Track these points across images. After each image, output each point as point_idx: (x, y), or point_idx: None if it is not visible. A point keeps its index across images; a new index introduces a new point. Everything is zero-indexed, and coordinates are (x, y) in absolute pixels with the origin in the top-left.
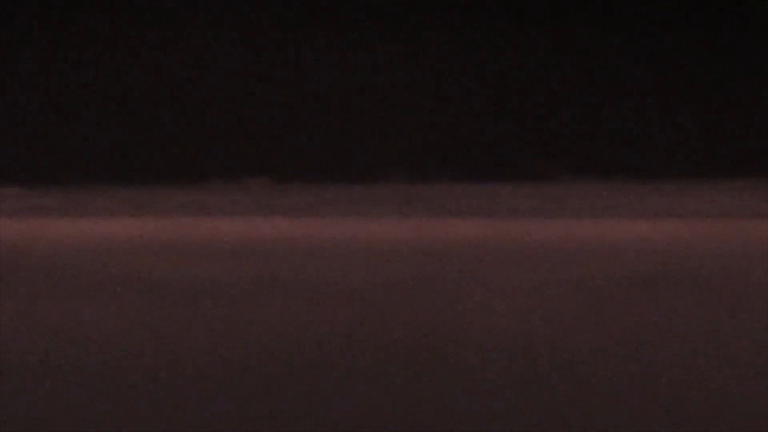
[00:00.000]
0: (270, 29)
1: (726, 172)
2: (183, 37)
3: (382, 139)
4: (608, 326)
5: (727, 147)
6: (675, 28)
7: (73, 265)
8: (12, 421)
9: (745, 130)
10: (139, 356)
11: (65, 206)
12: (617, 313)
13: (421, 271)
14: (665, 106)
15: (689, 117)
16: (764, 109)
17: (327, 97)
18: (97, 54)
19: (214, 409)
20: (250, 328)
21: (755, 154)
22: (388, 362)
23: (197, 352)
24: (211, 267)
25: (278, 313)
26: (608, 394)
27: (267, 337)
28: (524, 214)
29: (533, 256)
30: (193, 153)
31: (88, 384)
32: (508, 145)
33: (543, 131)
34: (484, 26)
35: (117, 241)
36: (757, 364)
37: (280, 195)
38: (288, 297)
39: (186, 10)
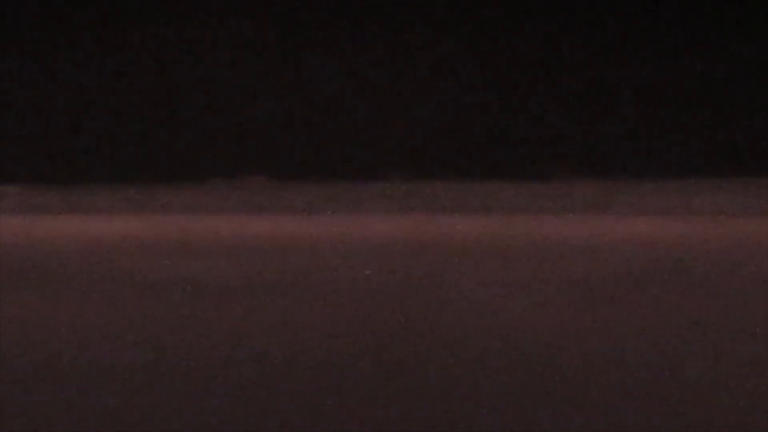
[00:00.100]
0: (270, 30)
1: (727, 171)
2: (183, 37)
3: (381, 138)
4: (608, 323)
5: (728, 146)
6: (675, 28)
7: (73, 263)
8: (12, 418)
9: (745, 129)
10: (138, 352)
11: (65, 204)
12: (616, 310)
13: (420, 268)
14: (665, 105)
15: (689, 116)
16: (765, 108)
17: (327, 97)
18: (97, 54)
19: (214, 405)
20: (249, 324)
21: (755, 152)
22: (388, 358)
23: (197, 349)
24: (211, 264)
25: (278, 310)
26: (607, 391)
27: (267, 333)
28: (523, 212)
29: (532, 253)
30: (192, 152)
31: (88, 381)
32: (507, 144)
33: (542, 130)
34: (484, 26)
35: (117, 239)
36: (757, 361)
37: (279, 193)
38: (288, 294)
39: (186, 11)
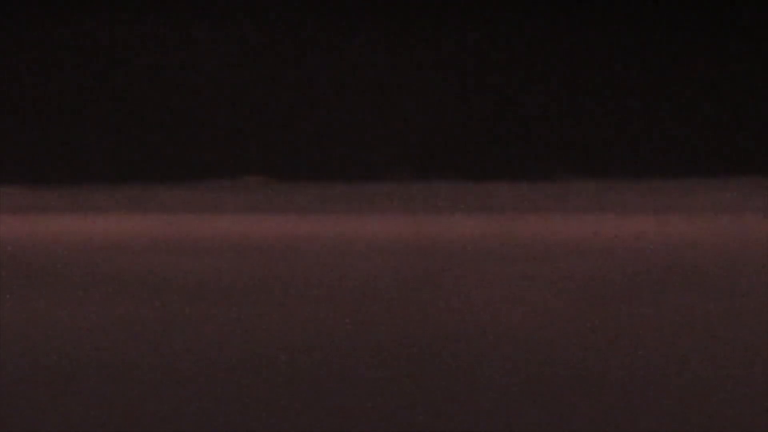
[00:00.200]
0: (270, 30)
1: (727, 170)
2: (183, 37)
3: (382, 138)
4: (608, 322)
5: (728, 145)
6: (675, 28)
7: (73, 262)
8: (12, 418)
9: (745, 129)
10: (137, 351)
11: (66, 204)
12: (617, 309)
13: (422, 267)
14: (665, 104)
15: (689, 115)
16: (765, 108)
17: (327, 97)
18: (97, 54)
19: (214, 404)
20: (251, 323)
21: (756, 151)
22: (388, 357)
23: (198, 347)
24: (212, 264)
25: (279, 308)
26: (608, 389)
27: (268, 332)
28: (525, 212)
29: (533, 253)
30: (193, 151)
31: (88, 380)
32: (508, 144)
33: (543, 130)
34: (484, 27)
35: (118, 238)
36: (757, 359)
37: (280, 193)
38: (289, 293)
39: (187, 11)
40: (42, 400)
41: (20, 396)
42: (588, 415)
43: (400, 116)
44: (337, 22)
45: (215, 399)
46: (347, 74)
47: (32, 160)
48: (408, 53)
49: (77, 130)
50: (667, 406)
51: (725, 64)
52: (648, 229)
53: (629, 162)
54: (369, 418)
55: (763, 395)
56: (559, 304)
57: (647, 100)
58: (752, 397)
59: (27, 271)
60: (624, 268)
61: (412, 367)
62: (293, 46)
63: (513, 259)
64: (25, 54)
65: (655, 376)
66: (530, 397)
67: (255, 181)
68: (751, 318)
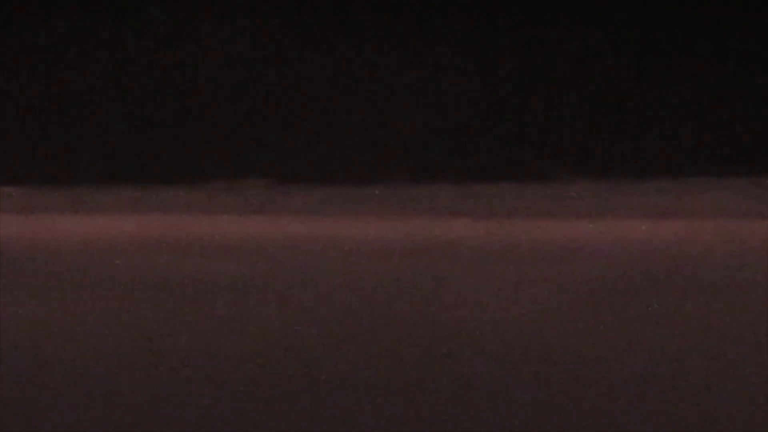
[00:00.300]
0: (270, 30)
1: (726, 172)
2: (184, 37)
3: (382, 139)
4: (608, 325)
5: (727, 146)
6: (675, 28)
7: (74, 263)
8: (12, 417)
9: (745, 129)
10: (138, 351)
11: (65, 205)
12: (617, 312)
13: (422, 270)
14: (665, 105)
15: (689, 116)
16: (765, 108)
17: (327, 98)
18: (96, 54)
19: (215, 404)
20: (251, 323)
21: (755, 153)
22: (388, 359)
23: (198, 347)
24: (212, 265)
25: (279, 309)
26: (608, 393)
27: (268, 332)
28: (524, 214)
29: (533, 256)
30: (194, 152)
31: (88, 379)
32: (507, 146)
33: (543, 131)
34: (485, 27)
35: (118, 238)
36: (757, 361)
37: (280, 195)
38: (288, 295)
39: (187, 11)
40: (42, 400)
41: (20, 396)
42: (588, 416)
43: (400, 118)
44: (337, 22)
45: (215, 399)
46: (347, 75)
47: (31, 160)
48: (408, 54)
49: (77, 129)
50: (667, 406)
51: (725, 64)
52: (648, 230)
53: (629, 163)
54: (369, 419)
55: (764, 395)
56: (559, 305)
57: (647, 100)
58: (752, 397)
59: (27, 271)
60: (624, 269)
61: (412, 368)
62: (293, 46)
63: (513, 261)
64: (25, 54)
65: (655, 377)
66: (531, 399)
67: (255, 183)
68: (751, 318)
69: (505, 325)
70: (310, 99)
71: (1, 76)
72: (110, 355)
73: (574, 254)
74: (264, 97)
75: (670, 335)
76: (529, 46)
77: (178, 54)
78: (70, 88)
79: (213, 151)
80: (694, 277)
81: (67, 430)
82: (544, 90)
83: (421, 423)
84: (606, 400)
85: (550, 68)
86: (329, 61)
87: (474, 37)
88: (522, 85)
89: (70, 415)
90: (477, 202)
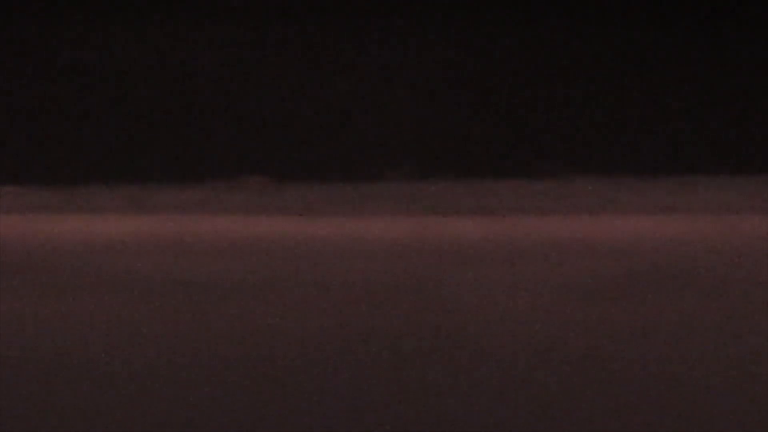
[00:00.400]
0: (270, 30)
1: (726, 169)
2: (183, 37)
3: (382, 138)
4: (609, 322)
5: (728, 143)
6: (675, 27)
7: (72, 262)
8: (12, 417)
9: (745, 128)
10: (138, 350)
11: (65, 204)
12: (618, 309)
13: (422, 268)
14: (665, 103)
15: (690, 114)
16: (765, 106)
17: (327, 97)
18: (97, 54)
19: (215, 404)
20: (251, 323)
21: (756, 150)
22: (388, 357)
23: (198, 347)
24: (211, 264)
25: (278, 310)
26: (608, 389)
27: (268, 332)
28: (524, 212)
29: (533, 253)
30: (192, 152)
31: (88, 379)
32: (507, 143)
33: (544, 129)
34: (484, 27)
35: (116, 238)
36: (757, 359)
37: (279, 194)
38: (288, 294)
39: (187, 11)
40: (42, 400)
41: (20, 396)
42: (588, 416)
43: (400, 117)
44: (337, 22)
45: (215, 399)
46: (348, 75)
47: (31, 160)
48: (408, 53)
49: (76, 129)
50: (667, 406)
51: (725, 64)
52: (648, 228)
53: (630, 160)
54: (369, 419)
55: (764, 396)
56: (561, 302)
57: (647, 98)
58: (752, 397)
59: (26, 270)
60: (624, 267)
61: (412, 367)
62: (293, 46)
63: (514, 258)
64: (25, 53)
65: (655, 377)
66: (531, 398)
67: (255, 182)
68: (751, 318)
69: (506, 321)
70: (309, 98)
71: (1, 76)
72: (110, 354)
73: (576, 251)
74: (264, 97)
75: (670, 332)
76: (531, 45)
77: (177, 54)
78: (70, 88)
79: (212, 150)
80: (694, 275)
81: (68, 430)
82: (546, 88)
83: (422, 422)
84: (606, 396)
85: (552, 67)
86: (328, 60)
87: (475, 35)
88: (524, 84)
89: (71, 414)
90: (478, 200)
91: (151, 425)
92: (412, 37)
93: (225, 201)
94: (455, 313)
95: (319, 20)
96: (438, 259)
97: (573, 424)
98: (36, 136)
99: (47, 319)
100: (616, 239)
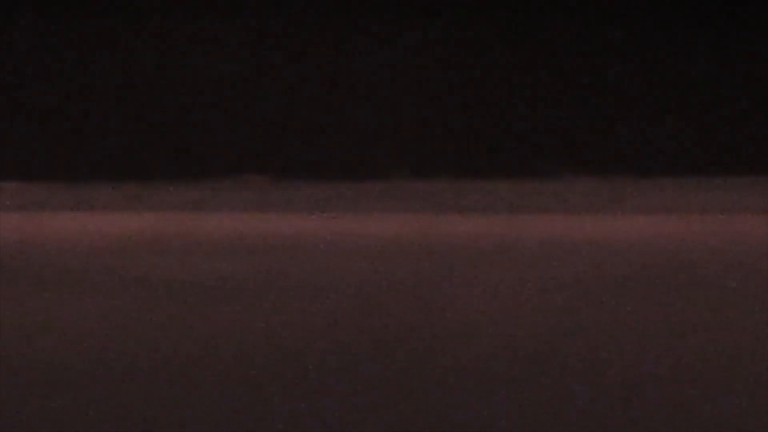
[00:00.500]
0: (271, 29)
1: (726, 169)
2: (183, 37)
3: (382, 136)
4: (608, 322)
5: (728, 143)
6: (675, 27)
7: (72, 260)
8: (12, 417)
9: (745, 127)
10: (137, 350)
11: (64, 202)
12: (618, 309)
13: (422, 267)
14: (665, 103)
15: (690, 114)
16: (765, 106)
17: (327, 96)
18: (97, 54)
19: (215, 404)
20: (251, 322)
21: (755, 150)
22: (389, 356)
23: (197, 347)
24: (212, 262)
25: (279, 307)
26: (607, 389)
27: (268, 331)
28: (524, 211)
29: (533, 252)
30: (194, 150)
31: (88, 379)
32: (507, 143)
33: (543, 129)
34: (485, 27)
35: (117, 236)
36: (757, 359)
37: (280, 192)
38: (289, 292)
39: (187, 11)
40: (42, 400)
41: (20, 396)
42: (588, 415)
43: (400, 116)
44: (336, 21)
45: (215, 398)
46: (346, 74)
47: (30, 158)
48: (409, 54)
49: (76, 127)
50: (667, 406)
51: (725, 64)
52: (648, 228)
53: (629, 160)
54: (369, 418)
55: (764, 395)
56: (560, 301)
57: (647, 98)
58: (752, 397)
59: (26, 267)
60: (625, 267)
61: (412, 366)
62: (293, 46)
63: (514, 258)
64: (25, 53)
65: (654, 377)
66: (530, 397)
67: (254, 180)
68: (751, 318)
69: (506, 320)
70: (309, 97)
71: (1, 76)
72: (110, 353)
73: (575, 251)
74: (264, 97)
75: (670, 332)
76: (531, 45)
77: (178, 53)
78: (71, 86)
79: (212, 148)
80: (694, 275)
81: (68, 429)
82: (546, 88)
83: (422, 421)
84: (605, 396)
85: (552, 66)
86: (329, 60)
87: (476, 36)
88: (524, 84)
89: (71, 414)
90: (477, 199)
91: (152, 425)
92: (411, 37)
93: (225, 199)
94: (455, 311)
95: (319, 20)
96: (438, 257)
97: (573, 423)
98: (37, 134)
99: (48, 315)
100: (616, 239)
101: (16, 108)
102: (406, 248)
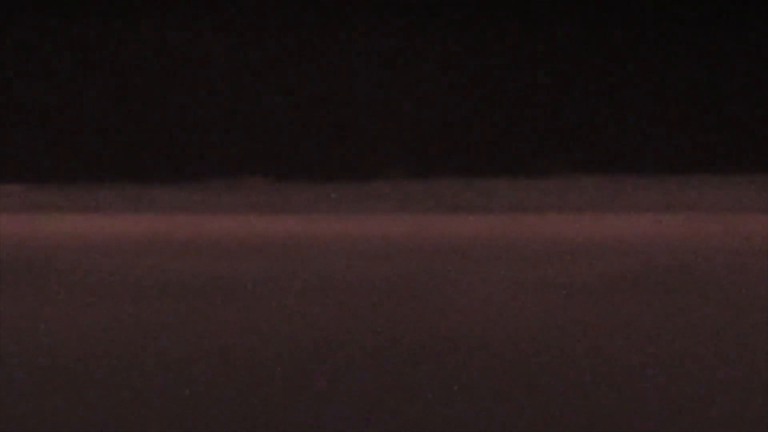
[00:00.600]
0: (270, 30)
1: (726, 169)
2: (183, 37)
3: (380, 136)
4: (609, 321)
5: (728, 143)
6: (676, 27)
7: (73, 261)
8: (12, 417)
9: (745, 127)
10: (137, 350)
11: (66, 203)
12: (618, 307)
13: (421, 266)
14: (666, 101)
15: (690, 113)
16: (765, 106)
17: (327, 97)
18: (97, 54)
19: (215, 403)
20: (251, 323)
21: (756, 150)
22: (389, 356)
23: (198, 347)
24: (211, 263)
25: (278, 308)
26: (608, 388)
27: (268, 331)
28: (524, 210)
29: (533, 251)
30: (193, 151)
31: (88, 378)
32: (507, 141)
33: (543, 127)
34: (484, 26)
35: (118, 237)
36: (757, 358)
37: (279, 193)
38: (288, 293)
39: (187, 11)
40: (42, 400)
41: (20, 395)
42: (588, 415)
43: (400, 116)
44: (336, 21)
45: (215, 398)
46: (346, 74)
47: (31, 159)
48: (407, 52)
49: (76, 129)
50: (667, 405)
51: (725, 65)
52: (648, 228)
53: (632, 159)
54: (369, 417)
55: (763, 395)
56: (562, 300)
57: (648, 99)
58: (752, 396)
59: (26, 270)
60: (624, 267)
61: (412, 366)
62: (293, 46)
63: (516, 256)
64: (25, 53)
65: (655, 376)
66: (530, 397)
67: (254, 181)
68: (751, 318)
69: (506, 318)
70: (309, 98)
71: (1, 76)
72: (110, 352)
73: (576, 250)
74: (263, 97)
75: (670, 332)
76: (531, 45)
77: (177, 54)
78: (71, 87)
79: (212, 150)
80: (694, 275)
81: (68, 429)
82: (547, 88)
83: (422, 419)
84: (605, 395)
85: (552, 67)
86: (329, 60)
87: (475, 35)
88: (524, 84)
89: (71, 413)
90: (478, 198)
91: (152, 423)
92: (413, 38)
93: (225, 200)
94: (457, 310)
95: (319, 20)
96: (438, 256)
97: (573, 422)
98: (37, 135)
99: (49, 316)
100: (617, 238)
101: (17, 111)
102: (405, 248)
